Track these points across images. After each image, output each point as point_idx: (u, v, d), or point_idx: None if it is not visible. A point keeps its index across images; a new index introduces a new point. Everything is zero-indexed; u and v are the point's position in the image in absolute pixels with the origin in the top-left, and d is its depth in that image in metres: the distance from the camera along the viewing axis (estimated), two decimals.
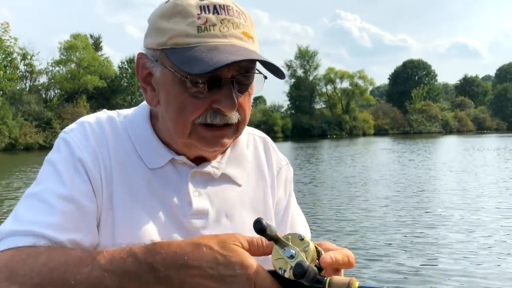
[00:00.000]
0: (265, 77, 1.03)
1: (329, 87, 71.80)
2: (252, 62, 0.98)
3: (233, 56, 0.92)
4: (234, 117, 1.00)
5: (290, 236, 0.85)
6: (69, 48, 51.11)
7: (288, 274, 0.83)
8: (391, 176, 16.01)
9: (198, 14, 0.95)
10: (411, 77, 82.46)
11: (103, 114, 1.11)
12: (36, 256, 0.88)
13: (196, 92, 0.96)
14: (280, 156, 1.25)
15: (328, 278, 0.81)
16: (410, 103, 75.25)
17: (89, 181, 1.00)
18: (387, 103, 78.92)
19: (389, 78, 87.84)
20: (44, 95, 51.17)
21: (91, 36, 57.39)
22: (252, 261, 0.86)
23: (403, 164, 20.50)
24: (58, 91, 50.94)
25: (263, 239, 0.88)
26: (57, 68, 52.09)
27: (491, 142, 40.02)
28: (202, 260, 0.84)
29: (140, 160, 1.05)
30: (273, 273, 0.86)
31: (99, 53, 57.27)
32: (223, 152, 1.13)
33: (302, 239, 0.84)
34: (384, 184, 14.19)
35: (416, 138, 53.33)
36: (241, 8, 1.02)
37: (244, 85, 1.00)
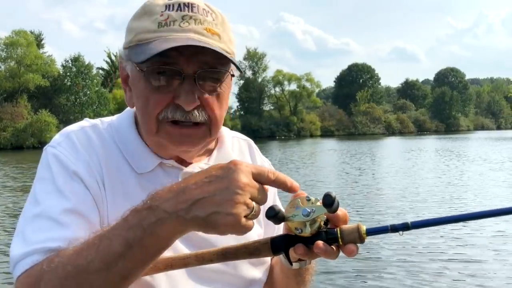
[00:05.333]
0: (232, 75, 1.05)
1: (277, 89, 72.64)
2: (220, 59, 0.99)
3: (174, 43, 0.93)
4: (198, 114, 1.00)
5: (299, 199, 0.88)
6: (10, 45, 48.76)
7: (307, 231, 0.87)
8: (337, 174, 16.56)
9: (162, 12, 1.00)
10: (355, 80, 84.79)
11: (86, 123, 1.12)
12: (49, 263, 0.87)
13: (158, 86, 0.98)
14: (263, 158, 1.30)
15: (338, 228, 0.88)
16: (355, 105, 77.32)
17: (89, 191, 1.00)
18: (333, 105, 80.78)
19: (334, 81, 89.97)
20: None
21: (31, 32, 55.06)
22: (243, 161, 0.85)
23: (348, 164, 21.21)
24: None
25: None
26: None
27: (431, 143, 42.02)
28: (196, 178, 0.83)
29: (129, 166, 1.07)
30: (287, 236, 0.90)
31: (41, 51, 55.05)
32: (210, 154, 1.16)
33: (309, 200, 0.88)
34: (329, 181, 14.68)
35: (361, 139, 55.06)
36: (214, 8, 1.06)
37: (210, 83, 1.01)
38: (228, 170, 0.81)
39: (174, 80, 0.98)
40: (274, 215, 0.86)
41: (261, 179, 0.83)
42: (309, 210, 0.86)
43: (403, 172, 17.33)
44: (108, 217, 1.00)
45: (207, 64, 0.98)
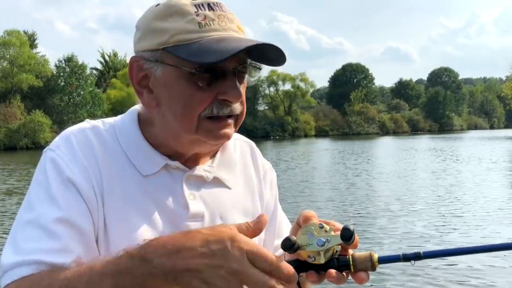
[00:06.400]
0: (260, 68, 1.07)
1: (271, 89, 72.69)
2: (245, 55, 1.02)
3: (245, 43, 0.96)
4: (238, 107, 1.03)
5: (312, 227, 0.88)
6: (2, 44, 48.42)
7: (321, 260, 0.86)
8: (331, 174, 16.56)
9: (195, 12, 0.99)
10: (350, 80, 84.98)
11: (87, 124, 1.10)
12: (39, 281, 0.87)
13: (202, 85, 0.98)
14: (264, 160, 1.30)
15: (350, 255, 0.88)
16: (349, 105, 77.54)
17: (82, 198, 0.98)
18: (327, 105, 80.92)
19: (329, 81, 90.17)
20: None
21: (25, 32, 54.75)
22: (242, 235, 0.83)
23: (343, 164, 21.21)
24: None
25: (250, 223, 0.87)
26: None
27: (425, 142, 42.15)
28: (193, 242, 0.82)
29: (133, 167, 1.06)
30: (298, 262, 0.88)
31: (34, 51, 54.74)
32: (213, 156, 1.16)
33: (322, 227, 0.88)
34: (323, 181, 14.68)
35: (355, 139, 55.19)
36: None
37: (242, 77, 1.04)
38: (224, 248, 0.80)
39: (217, 77, 0.99)
40: (291, 247, 0.85)
41: (255, 263, 0.80)
42: (324, 240, 0.85)
43: (399, 172, 17.37)
44: (107, 221, 1.00)
45: (242, 60, 1.02)
